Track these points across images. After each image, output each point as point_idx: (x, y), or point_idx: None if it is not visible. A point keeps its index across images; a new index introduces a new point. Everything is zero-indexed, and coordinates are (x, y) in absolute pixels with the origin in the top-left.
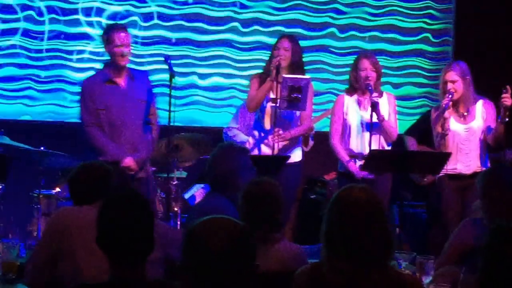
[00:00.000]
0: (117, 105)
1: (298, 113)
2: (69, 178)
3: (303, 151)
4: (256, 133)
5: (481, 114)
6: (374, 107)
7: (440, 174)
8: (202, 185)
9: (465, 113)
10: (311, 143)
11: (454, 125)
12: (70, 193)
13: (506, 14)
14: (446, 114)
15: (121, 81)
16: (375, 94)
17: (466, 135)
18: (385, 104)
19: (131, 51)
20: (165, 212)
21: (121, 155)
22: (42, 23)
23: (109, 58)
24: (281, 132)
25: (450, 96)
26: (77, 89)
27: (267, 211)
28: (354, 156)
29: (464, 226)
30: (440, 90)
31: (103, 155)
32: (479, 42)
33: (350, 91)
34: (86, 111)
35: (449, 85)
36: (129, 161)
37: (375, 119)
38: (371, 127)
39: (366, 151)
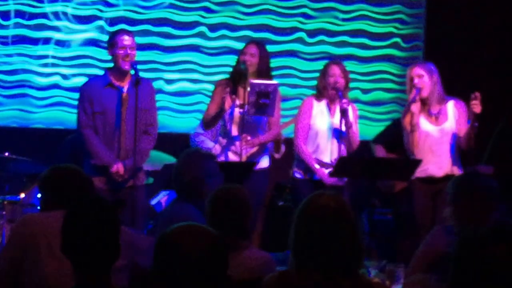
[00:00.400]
0: (115, 110)
1: (265, 118)
2: (40, 181)
3: (270, 157)
4: (222, 139)
5: (453, 114)
6: (344, 113)
7: (412, 178)
8: (168, 192)
9: (437, 114)
10: (283, 149)
11: (426, 126)
12: (40, 197)
13: (476, 20)
14: (414, 108)
15: (124, 86)
16: (344, 100)
17: (438, 136)
18: (350, 113)
19: (135, 57)
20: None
21: (111, 161)
22: (6, 27)
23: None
24: (249, 138)
25: (416, 91)
26: (42, 94)
27: (235, 218)
28: (321, 163)
29: (435, 233)
30: (407, 88)
31: (94, 158)
32: (449, 47)
33: (319, 97)
34: (83, 113)
35: (416, 80)
36: (118, 168)
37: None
38: (340, 134)
39: (333, 157)
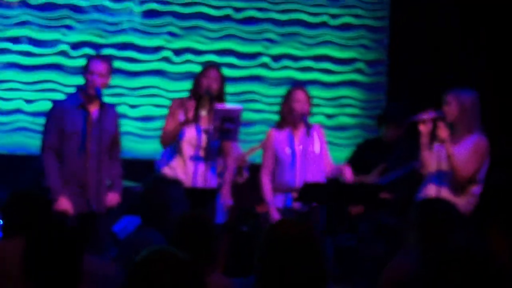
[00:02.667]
0: (85, 132)
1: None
2: (2, 206)
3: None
4: (175, 161)
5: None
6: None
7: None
8: (132, 218)
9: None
10: (245, 174)
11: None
12: (2, 224)
13: (438, 45)
14: (422, 128)
15: (93, 109)
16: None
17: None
18: (317, 137)
19: (108, 83)
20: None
21: (57, 190)
22: None
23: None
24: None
25: (431, 113)
26: (4, 119)
27: (201, 243)
28: (287, 190)
29: (398, 258)
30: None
31: (45, 180)
32: (412, 72)
33: (282, 125)
34: (49, 133)
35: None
36: (61, 203)
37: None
38: (305, 159)
39: (297, 183)
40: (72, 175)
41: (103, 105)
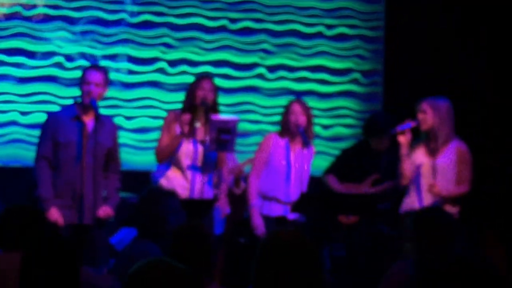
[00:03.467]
0: (79, 144)
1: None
2: None
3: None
4: (172, 172)
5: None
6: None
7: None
8: (129, 230)
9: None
10: (243, 185)
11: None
12: None
13: (435, 55)
14: (401, 138)
15: (88, 120)
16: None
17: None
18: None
19: (104, 94)
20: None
21: (48, 199)
22: None
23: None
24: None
25: (408, 124)
26: None
27: (198, 254)
28: (277, 200)
29: (396, 268)
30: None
31: (37, 189)
32: (408, 82)
33: (282, 134)
34: (43, 143)
35: (419, 114)
36: (51, 213)
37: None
38: (298, 172)
39: (290, 194)
40: (67, 187)
41: (98, 117)
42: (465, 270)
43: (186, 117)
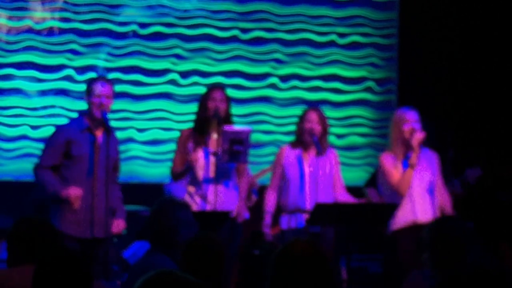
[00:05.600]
0: (91, 156)
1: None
2: (7, 235)
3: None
4: (191, 187)
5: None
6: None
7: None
8: (142, 243)
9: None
10: (254, 198)
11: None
12: (8, 252)
13: (448, 64)
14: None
15: (98, 133)
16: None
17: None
18: (328, 159)
19: (110, 106)
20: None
21: (62, 188)
22: None
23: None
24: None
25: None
26: (9, 145)
27: (210, 267)
28: (293, 210)
29: (413, 278)
30: (397, 130)
31: (47, 188)
32: (422, 90)
33: (295, 144)
34: (48, 155)
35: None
36: (69, 192)
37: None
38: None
39: (307, 205)
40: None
41: (108, 129)
42: (483, 280)
43: (194, 156)
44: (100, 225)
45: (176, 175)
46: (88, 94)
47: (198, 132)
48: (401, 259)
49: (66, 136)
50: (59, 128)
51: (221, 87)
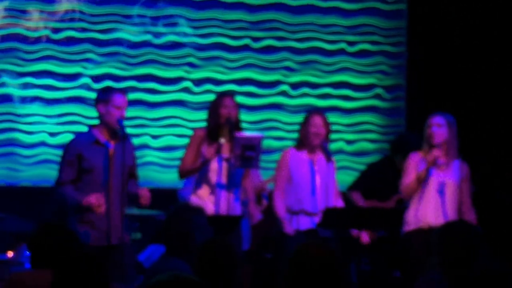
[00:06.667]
0: (105, 167)
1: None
2: (28, 240)
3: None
4: (200, 190)
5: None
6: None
7: None
8: (157, 247)
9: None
10: (265, 203)
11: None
12: (30, 255)
13: (456, 71)
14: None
15: (112, 142)
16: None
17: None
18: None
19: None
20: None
21: (82, 199)
22: None
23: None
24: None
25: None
26: (28, 152)
27: (223, 271)
28: (306, 212)
29: (424, 281)
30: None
31: (72, 203)
32: (431, 98)
33: (300, 147)
34: (64, 171)
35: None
36: (90, 199)
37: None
38: (321, 181)
39: (317, 205)
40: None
41: (124, 137)
42: (492, 284)
43: (211, 150)
44: (115, 232)
45: (184, 172)
46: (106, 103)
47: (211, 139)
48: (412, 261)
49: (76, 151)
50: (68, 144)
51: (231, 94)
